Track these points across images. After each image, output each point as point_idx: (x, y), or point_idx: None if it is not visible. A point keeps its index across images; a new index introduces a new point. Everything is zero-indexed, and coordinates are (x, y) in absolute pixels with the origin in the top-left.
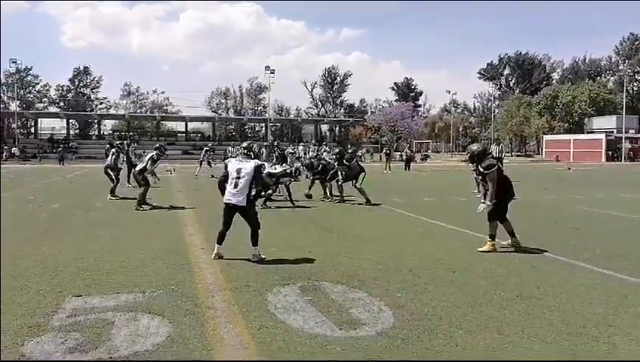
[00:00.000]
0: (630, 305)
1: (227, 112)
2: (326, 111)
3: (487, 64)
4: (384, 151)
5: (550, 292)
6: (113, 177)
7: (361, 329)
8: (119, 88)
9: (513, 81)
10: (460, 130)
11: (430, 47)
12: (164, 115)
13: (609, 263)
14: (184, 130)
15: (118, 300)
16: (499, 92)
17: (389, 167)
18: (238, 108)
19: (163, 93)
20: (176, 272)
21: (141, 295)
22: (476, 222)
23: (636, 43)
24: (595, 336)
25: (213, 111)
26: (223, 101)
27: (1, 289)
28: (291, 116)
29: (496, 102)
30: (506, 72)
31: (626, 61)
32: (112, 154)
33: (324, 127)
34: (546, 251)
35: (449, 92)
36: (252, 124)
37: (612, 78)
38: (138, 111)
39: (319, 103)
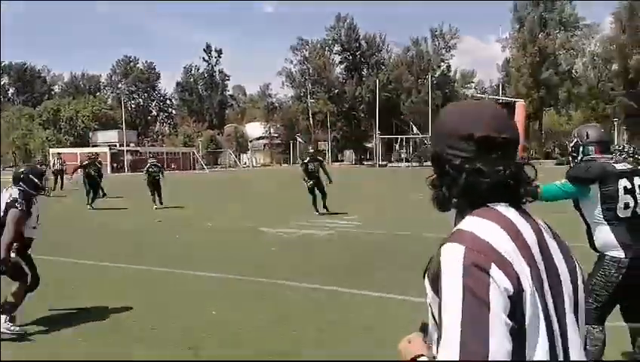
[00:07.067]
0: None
1: None
2: None
3: None
4: None
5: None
6: None
7: None
8: None
9: (13, 91)
10: None
11: None
12: None
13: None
14: None
15: None
16: None
17: None
18: None
19: None
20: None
21: None
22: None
23: (130, 64)
24: None
25: None
26: None
27: None
28: None
29: None
30: (5, 80)
31: (123, 80)
32: None
33: None
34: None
35: None
36: None
37: (112, 95)
38: None
39: None
